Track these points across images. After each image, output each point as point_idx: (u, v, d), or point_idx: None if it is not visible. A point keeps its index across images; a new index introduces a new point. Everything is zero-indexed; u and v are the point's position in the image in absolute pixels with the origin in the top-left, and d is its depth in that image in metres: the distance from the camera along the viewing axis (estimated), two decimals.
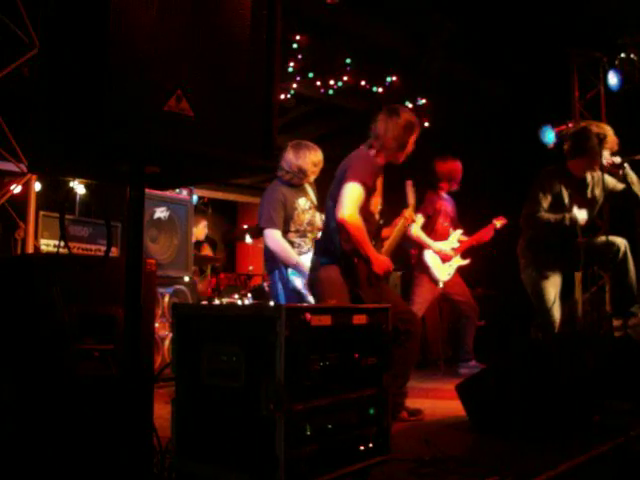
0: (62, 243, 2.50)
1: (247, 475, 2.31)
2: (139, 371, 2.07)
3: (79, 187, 5.77)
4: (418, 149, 4.51)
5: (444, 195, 7.00)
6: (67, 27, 1.83)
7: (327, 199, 4.39)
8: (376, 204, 4.39)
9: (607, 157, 5.26)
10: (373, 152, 4.35)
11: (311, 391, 2.32)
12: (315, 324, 2.33)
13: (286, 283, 5.58)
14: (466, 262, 6.97)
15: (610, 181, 5.30)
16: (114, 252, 5.21)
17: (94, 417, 2.48)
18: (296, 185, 5.48)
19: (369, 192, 4.23)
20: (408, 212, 4.75)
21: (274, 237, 5.38)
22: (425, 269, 6.76)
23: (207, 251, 7.37)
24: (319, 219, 5.38)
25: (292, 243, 5.42)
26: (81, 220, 5.59)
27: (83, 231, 5.50)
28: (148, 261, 2.74)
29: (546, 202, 5.32)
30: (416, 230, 6.60)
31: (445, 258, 6.81)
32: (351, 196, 4.14)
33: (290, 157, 5.46)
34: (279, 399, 2.20)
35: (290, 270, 5.44)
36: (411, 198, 4.71)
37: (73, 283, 2.52)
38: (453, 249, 6.88)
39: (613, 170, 5.27)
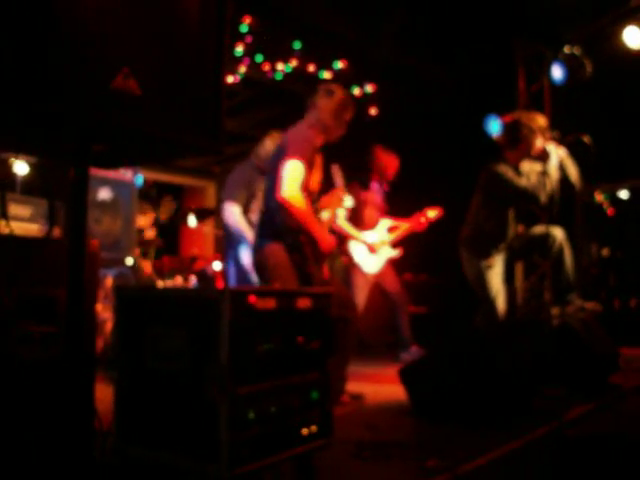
0: (3, 222, 2.44)
1: (190, 459, 2.30)
2: (81, 353, 2.05)
3: (21, 165, 5.63)
4: (365, 134, 4.55)
5: (373, 185, 6.98)
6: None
7: (265, 179, 4.37)
8: (315, 181, 4.37)
9: (540, 145, 5.39)
10: (311, 130, 4.36)
11: (255, 374, 2.32)
12: (259, 307, 2.33)
13: (237, 262, 5.61)
14: (396, 253, 6.95)
15: (550, 168, 5.39)
16: (57, 233, 5.11)
17: (35, 400, 2.44)
18: (266, 173, 5.50)
19: (309, 168, 4.22)
20: (338, 191, 4.74)
21: (231, 210, 5.45)
22: (353, 260, 6.75)
23: (151, 233, 7.28)
24: None
25: (252, 223, 5.45)
26: (22, 199, 5.46)
27: (25, 210, 5.38)
28: (91, 242, 2.71)
29: (515, 176, 5.42)
30: (340, 221, 6.53)
31: (371, 249, 6.77)
32: (292, 174, 4.11)
33: (267, 144, 5.53)
34: (222, 383, 2.20)
35: (242, 248, 5.48)
36: (339, 181, 4.70)
37: (13, 264, 2.47)
38: (382, 241, 6.84)
39: (545, 159, 5.38)
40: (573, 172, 5.40)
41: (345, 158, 4.77)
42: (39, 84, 1.67)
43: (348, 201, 6.20)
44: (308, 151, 4.22)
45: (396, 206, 7.24)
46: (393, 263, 7.02)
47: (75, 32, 1.73)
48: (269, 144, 5.61)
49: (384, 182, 6.97)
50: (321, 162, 4.44)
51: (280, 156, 4.20)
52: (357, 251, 6.72)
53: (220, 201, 5.97)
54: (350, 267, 6.86)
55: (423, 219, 6.96)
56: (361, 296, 6.74)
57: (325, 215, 4.52)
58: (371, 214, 6.89)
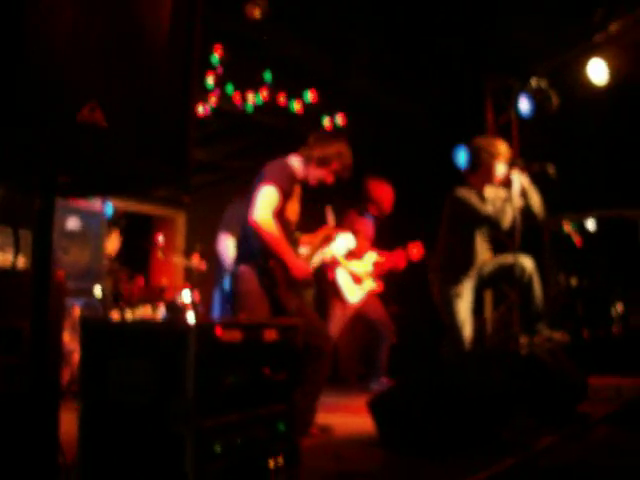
0: None
1: None
2: (45, 386, 2.02)
3: None
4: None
5: (366, 215, 7.04)
6: None
7: (243, 206, 4.40)
8: (293, 211, 4.40)
9: (501, 170, 5.45)
10: (299, 164, 4.40)
11: (221, 407, 2.31)
12: (226, 339, 2.32)
13: (223, 291, 5.66)
14: (377, 287, 6.98)
15: (513, 195, 5.43)
16: (22, 262, 5.06)
17: None
18: None
19: (285, 196, 4.24)
20: (329, 228, 4.79)
21: (226, 243, 5.53)
22: (336, 290, 6.75)
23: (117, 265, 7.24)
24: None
25: None
26: None
27: None
28: (57, 273, 2.69)
29: (479, 201, 5.46)
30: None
31: (357, 279, 6.81)
32: (265, 199, 4.14)
33: None
34: (188, 415, 2.18)
35: (227, 276, 5.52)
36: (331, 221, 4.76)
37: None
38: (367, 273, 6.88)
39: (507, 185, 5.43)
40: (536, 200, 5.45)
41: (339, 187, 4.79)
42: (5, 112, 1.67)
43: (350, 241, 6.22)
44: (286, 180, 4.27)
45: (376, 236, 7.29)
46: (376, 295, 7.05)
47: (44, 62, 1.73)
48: None
49: (382, 213, 7.00)
50: (299, 195, 4.47)
51: (257, 184, 4.24)
52: (342, 279, 6.74)
53: (217, 232, 6.01)
54: (330, 296, 6.86)
55: (406, 255, 6.97)
56: (336, 326, 6.74)
57: (303, 251, 4.55)
58: (361, 244, 6.93)
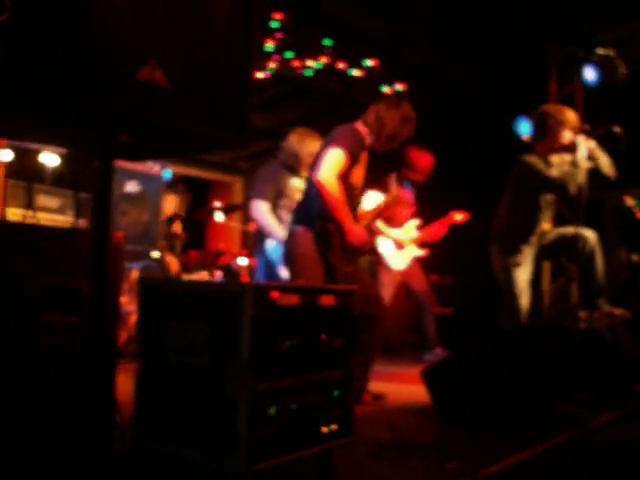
0: (30, 213, 2.45)
1: (209, 453, 2.29)
2: (102, 344, 2.05)
3: (52, 157, 5.67)
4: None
5: (407, 183, 6.97)
6: None
7: (309, 169, 4.40)
8: (359, 177, 4.38)
9: (568, 137, 5.33)
10: (365, 130, 4.36)
11: (276, 371, 2.30)
12: (282, 303, 2.31)
13: (266, 256, 5.64)
14: (423, 253, 6.94)
15: (579, 159, 5.30)
16: (83, 224, 5.14)
17: (58, 391, 2.44)
18: (292, 170, 5.53)
19: (352, 161, 4.22)
20: (387, 201, 4.75)
21: (259, 208, 5.49)
22: (380, 257, 6.74)
23: (178, 227, 7.30)
24: None
25: (281, 219, 5.46)
26: (52, 190, 5.50)
27: (53, 201, 5.42)
28: (116, 234, 2.71)
29: (545, 167, 5.36)
30: None
31: (399, 245, 6.77)
32: (331, 160, 4.13)
33: (292, 141, 5.55)
34: (243, 378, 2.19)
35: (269, 243, 5.49)
36: (393, 190, 4.71)
37: (38, 253, 2.48)
38: (410, 239, 6.84)
39: (573, 150, 5.30)
40: (605, 162, 5.30)
41: (380, 156, 4.74)
42: (66, 73, 1.67)
43: (379, 198, 6.18)
44: (353, 144, 4.24)
45: (425, 206, 7.21)
46: (420, 263, 7.01)
47: (105, 21, 1.73)
48: (294, 140, 5.60)
49: (421, 180, 6.94)
50: (367, 161, 4.45)
51: (325, 146, 4.23)
52: (385, 247, 6.71)
53: (248, 198, 5.98)
54: (377, 263, 6.85)
55: (447, 224, 6.92)
56: (387, 293, 6.73)
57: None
58: (401, 212, 6.90)
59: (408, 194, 6.99)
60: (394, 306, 7.07)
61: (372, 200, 6.49)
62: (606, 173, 5.31)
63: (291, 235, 4.31)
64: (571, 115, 5.43)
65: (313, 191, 4.21)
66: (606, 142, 5.33)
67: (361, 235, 4.25)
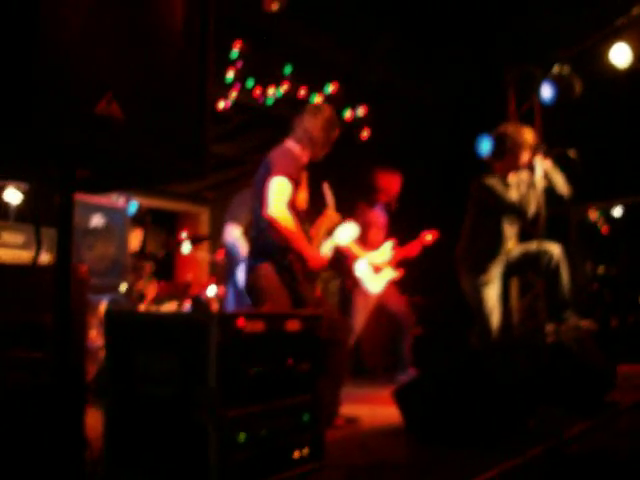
0: None
1: None
2: (69, 378, 2.03)
3: (14, 192, 5.63)
4: (358, 157, 4.57)
5: (377, 206, 7.02)
6: None
7: (252, 195, 4.36)
8: (302, 199, 4.36)
9: (526, 158, 5.43)
10: (298, 147, 4.37)
11: (244, 397, 2.31)
12: (248, 330, 2.32)
13: (236, 285, 5.62)
14: (397, 275, 6.97)
15: (536, 179, 5.40)
16: (47, 258, 5.10)
17: (24, 428, 2.42)
18: None
19: (295, 185, 4.21)
20: (330, 211, 4.75)
21: (232, 233, 5.47)
22: (357, 280, 6.75)
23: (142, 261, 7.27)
24: None
25: None
26: (16, 226, 5.46)
27: (17, 237, 5.37)
28: (80, 268, 2.70)
29: (504, 189, 5.44)
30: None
31: (376, 270, 6.80)
32: (278, 191, 4.09)
33: None
34: (212, 406, 2.19)
35: (240, 270, 5.48)
36: (329, 199, 4.71)
37: (1, 290, 2.46)
38: (385, 262, 6.88)
39: (531, 170, 5.41)
40: (559, 180, 5.42)
41: (346, 180, 4.78)
42: (21, 109, 1.68)
43: (354, 230, 6.22)
44: (294, 168, 4.22)
45: (395, 227, 7.26)
46: (396, 285, 7.04)
47: (59, 56, 1.73)
48: None
49: (391, 202, 6.99)
50: (307, 180, 4.45)
51: (265, 175, 4.18)
52: (361, 271, 6.73)
53: (223, 222, 6.00)
54: (352, 288, 6.85)
55: (421, 243, 6.98)
56: (361, 318, 6.74)
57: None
58: (376, 235, 6.94)
59: (381, 217, 7.03)
60: (367, 328, 7.08)
61: (346, 231, 6.55)
62: (560, 192, 5.42)
63: (251, 271, 4.25)
64: (529, 135, 5.54)
65: (264, 224, 4.17)
66: (562, 162, 5.43)
67: (321, 259, 4.26)
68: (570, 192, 5.47)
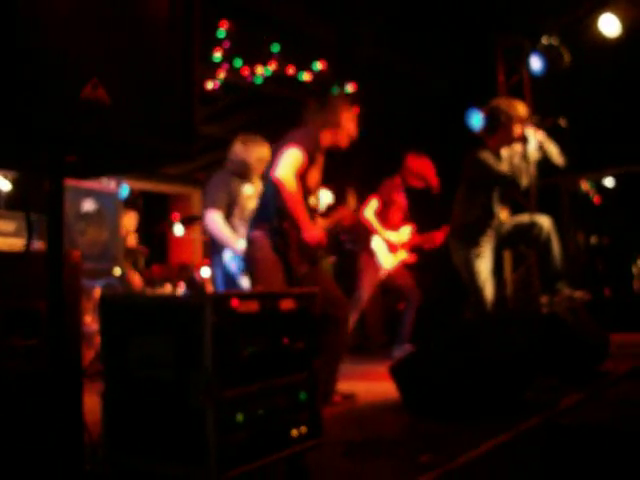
0: None
1: (179, 464, 2.30)
2: (64, 365, 2.04)
3: (3, 181, 5.62)
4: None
5: (401, 187, 7.06)
6: None
7: (265, 171, 4.42)
8: (314, 180, 4.39)
9: (518, 131, 5.44)
10: (317, 130, 4.41)
11: (241, 377, 2.32)
12: (242, 310, 2.33)
13: (224, 268, 5.61)
14: (410, 257, 7.07)
15: (529, 151, 5.41)
16: (39, 245, 5.10)
17: (23, 415, 2.43)
18: (243, 177, 5.54)
19: (309, 161, 4.24)
20: (346, 211, 4.80)
21: (213, 218, 5.45)
22: (371, 254, 6.83)
23: (132, 241, 7.27)
24: None
25: (235, 228, 5.45)
26: (7, 214, 5.45)
27: (8, 225, 5.36)
28: (73, 253, 2.70)
29: (495, 162, 5.46)
30: (368, 214, 6.70)
31: (392, 248, 6.89)
32: (290, 159, 4.15)
33: (237, 149, 5.55)
34: (208, 387, 2.20)
35: (227, 254, 5.48)
36: (352, 202, 4.78)
37: None
38: (402, 243, 6.97)
39: (524, 143, 5.42)
40: (554, 151, 5.43)
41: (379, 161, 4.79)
42: (7, 96, 1.67)
43: (373, 203, 6.30)
44: (310, 144, 4.27)
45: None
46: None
47: (42, 43, 1.73)
48: (239, 148, 5.61)
49: (429, 186, 7.01)
50: (322, 163, 4.48)
51: (282, 146, 4.25)
52: (378, 246, 6.81)
53: (191, 217, 6.00)
54: (361, 262, 6.92)
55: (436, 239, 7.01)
56: (367, 293, 6.82)
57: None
58: (396, 216, 7.00)
59: (403, 198, 7.08)
60: (369, 305, 7.15)
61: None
62: (556, 162, 5.43)
63: (250, 241, 4.35)
64: (521, 108, 5.53)
65: (270, 190, 4.24)
66: (554, 132, 5.44)
67: (317, 235, 4.25)
68: (565, 162, 5.48)
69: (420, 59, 8.16)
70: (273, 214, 4.21)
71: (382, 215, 6.88)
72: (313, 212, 4.45)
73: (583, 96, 7.82)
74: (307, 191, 4.31)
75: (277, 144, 4.38)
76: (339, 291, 4.46)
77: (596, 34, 6.90)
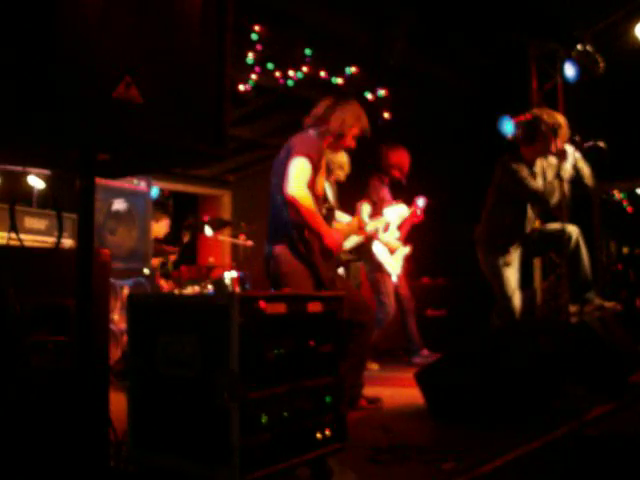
0: (14, 235, 2.46)
1: (203, 464, 2.31)
2: (92, 361, 2.05)
3: (36, 179, 5.68)
4: (377, 139, 4.56)
5: (386, 183, 6.99)
6: (13, 11, 1.79)
7: (271, 177, 4.35)
8: (321, 185, 4.35)
9: (558, 145, 5.38)
10: (320, 136, 4.35)
11: (266, 379, 2.32)
12: (269, 312, 2.33)
13: None
14: (409, 250, 6.97)
15: (565, 168, 5.36)
16: (70, 243, 5.14)
17: (49, 410, 2.45)
18: None
19: (315, 169, 4.21)
20: (356, 220, 4.79)
21: None
22: (380, 268, 6.74)
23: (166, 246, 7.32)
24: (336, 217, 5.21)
25: None
26: (38, 212, 5.51)
27: (40, 223, 5.42)
28: (102, 252, 2.72)
29: (529, 176, 5.42)
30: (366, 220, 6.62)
31: (392, 250, 6.81)
32: (298, 170, 4.07)
33: None
34: (233, 388, 2.20)
35: None
36: (361, 215, 4.75)
37: (25, 274, 2.49)
38: (397, 239, 6.88)
39: (561, 158, 5.36)
40: (587, 173, 5.38)
41: (357, 158, 4.77)
42: (41, 95, 1.68)
43: (366, 207, 6.24)
44: (315, 152, 4.19)
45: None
46: (407, 265, 7.05)
47: (76, 42, 1.74)
48: None
49: (402, 178, 6.95)
50: (326, 168, 4.45)
51: (286, 157, 4.18)
52: (381, 253, 6.74)
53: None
54: (377, 274, 6.82)
55: (417, 210, 6.93)
56: (391, 299, 6.74)
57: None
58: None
59: (389, 194, 7.00)
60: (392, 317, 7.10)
61: (395, 213, 6.61)
62: (587, 182, 5.39)
63: (273, 257, 4.21)
64: (562, 121, 5.45)
65: (280, 201, 4.17)
66: (590, 153, 5.40)
67: (338, 239, 4.24)
68: (594, 183, 5.45)
69: (453, 64, 8.12)
70: (290, 226, 4.17)
71: (375, 216, 6.74)
72: (328, 218, 4.42)
73: (617, 103, 7.74)
74: (316, 198, 4.26)
75: (282, 153, 4.32)
76: (362, 297, 4.44)
77: (631, 41, 6.82)
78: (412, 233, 7.09)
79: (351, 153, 4.79)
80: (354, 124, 4.37)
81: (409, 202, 6.98)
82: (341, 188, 5.74)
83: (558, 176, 5.25)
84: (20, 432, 2.38)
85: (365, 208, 6.22)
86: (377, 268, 6.76)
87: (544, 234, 5.56)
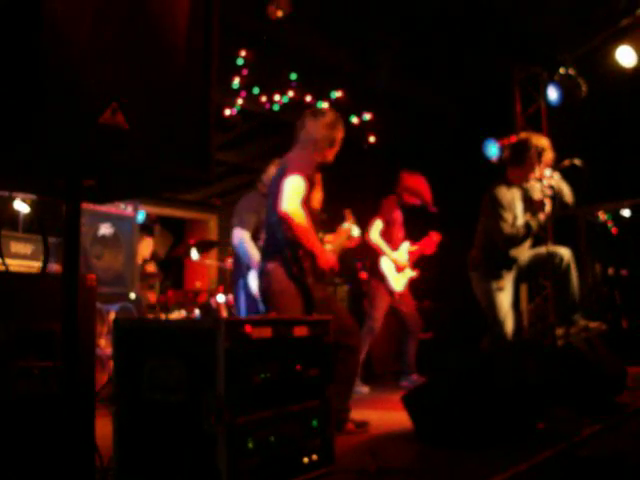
0: None
1: None
2: (77, 387, 2.04)
3: (22, 205, 5.67)
4: (364, 163, 4.59)
5: (399, 206, 7.07)
6: None
7: (268, 197, 4.40)
8: (317, 200, 4.38)
9: (542, 170, 5.43)
10: (307, 152, 4.39)
11: (253, 404, 2.31)
12: (255, 336, 2.33)
13: (247, 291, 5.64)
14: (415, 274, 7.04)
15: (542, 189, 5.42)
16: (56, 268, 5.12)
17: (35, 436, 2.43)
18: None
19: (310, 185, 4.23)
20: (344, 229, 4.79)
21: (241, 236, 5.50)
22: (381, 278, 6.79)
23: (152, 269, 7.30)
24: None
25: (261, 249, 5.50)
26: (24, 237, 5.49)
27: (26, 248, 5.41)
28: (88, 277, 2.71)
29: (510, 216, 5.44)
30: (375, 236, 6.68)
31: (399, 268, 6.86)
32: (293, 188, 4.12)
33: (271, 172, 5.58)
34: (220, 412, 2.19)
35: (252, 275, 5.50)
36: (349, 222, 4.75)
37: (10, 299, 2.48)
38: (406, 260, 6.96)
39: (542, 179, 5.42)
40: (567, 192, 5.44)
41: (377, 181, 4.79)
42: (27, 119, 1.69)
43: (378, 224, 6.33)
44: (309, 168, 4.24)
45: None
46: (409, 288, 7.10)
47: (63, 68, 1.74)
48: (273, 171, 5.66)
49: (425, 203, 7.02)
50: (321, 182, 4.47)
51: (281, 175, 4.22)
52: (387, 268, 6.79)
53: (230, 228, 6.04)
54: (372, 289, 6.87)
55: (431, 243, 7.05)
56: (379, 321, 6.76)
57: (328, 247, 4.53)
58: (398, 234, 6.99)
59: (400, 217, 7.08)
60: (378, 332, 7.09)
61: (405, 248, 6.69)
62: (567, 201, 5.44)
63: (265, 273, 4.27)
64: (547, 144, 5.53)
65: (275, 220, 4.21)
66: (569, 171, 5.45)
67: (331, 259, 4.27)
68: (574, 201, 5.50)
69: (437, 89, 8.18)
70: (284, 244, 4.19)
71: (386, 235, 6.86)
72: (321, 233, 4.45)
73: (600, 126, 7.82)
74: (313, 213, 4.30)
75: (276, 173, 4.35)
76: (352, 319, 4.45)
77: (613, 65, 6.91)
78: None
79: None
80: (336, 132, 4.44)
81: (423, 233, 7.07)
82: (358, 206, 5.77)
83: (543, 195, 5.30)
84: (5, 458, 2.36)
85: (377, 224, 6.38)
86: (377, 276, 6.79)
87: (534, 257, 5.60)
